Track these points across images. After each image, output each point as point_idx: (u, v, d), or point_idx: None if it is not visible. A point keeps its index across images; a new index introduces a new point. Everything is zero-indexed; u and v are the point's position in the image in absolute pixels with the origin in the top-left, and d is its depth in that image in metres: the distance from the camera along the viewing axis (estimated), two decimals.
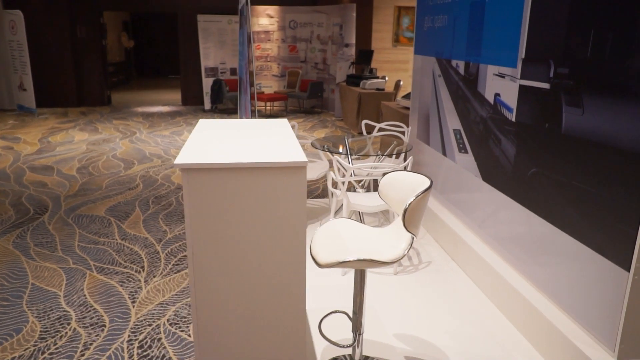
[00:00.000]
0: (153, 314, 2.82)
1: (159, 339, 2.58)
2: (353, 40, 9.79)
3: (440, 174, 4.00)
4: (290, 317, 2.00)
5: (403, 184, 2.09)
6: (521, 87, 2.76)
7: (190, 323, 2.73)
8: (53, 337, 2.59)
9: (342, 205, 4.42)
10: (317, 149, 3.96)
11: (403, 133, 4.75)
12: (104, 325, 2.70)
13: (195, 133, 2.32)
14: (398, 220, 2.07)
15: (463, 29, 3.51)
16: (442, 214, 3.81)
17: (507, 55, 2.90)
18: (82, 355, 2.44)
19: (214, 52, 10.59)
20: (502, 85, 2.96)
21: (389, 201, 2.18)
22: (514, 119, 2.84)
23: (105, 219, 4.31)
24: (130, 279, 3.23)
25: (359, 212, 4.19)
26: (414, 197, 1.85)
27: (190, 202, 1.81)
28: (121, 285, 3.14)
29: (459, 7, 3.56)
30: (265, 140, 2.17)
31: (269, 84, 11.13)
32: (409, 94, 6.43)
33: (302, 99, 10.42)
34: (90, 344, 2.53)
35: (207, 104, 10.64)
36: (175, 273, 3.31)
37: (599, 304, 2.18)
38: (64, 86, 10.99)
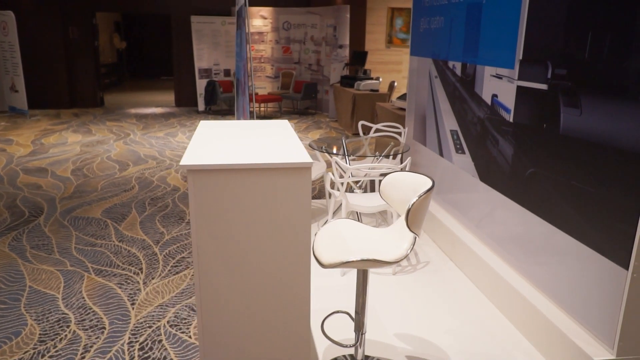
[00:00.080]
0: (153, 315, 2.81)
1: (160, 341, 2.57)
2: (347, 42, 9.82)
3: (437, 174, 4.03)
4: (294, 318, 2.01)
5: (404, 184, 2.11)
6: (519, 88, 2.78)
7: (190, 324, 2.73)
8: (53, 339, 2.58)
9: (340, 205, 4.43)
10: (315, 149, 3.97)
11: (399, 134, 4.77)
12: (104, 328, 2.69)
13: (198, 134, 2.32)
14: (399, 221, 2.09)
15: (460, 30, 3.54)
16: (439, 214, 3.83)
17: (504, 56, 2.93)
18: (83, 357, 2.43)
19: (207, 53, 10.57)
20: (500, 86, 2.99)
21: (390, 201, 2.20)
22: (511, 120, 2.87)
23: (102, 221, 4.28)
24: (129, 281, 3.21)
25: (357, 212, 4.20)
26: (417, 197, 1.87)
27: (196, 203, 1.81)
28: (120, 288, 3.13)
29: (456, 8, 3.59)
30: (268, 141, 2.17)
31: (263, 85, 11.13)
32: (404, 94, 6.46)
33: (296, 100, 10.42)
34: (91, 347, 2.52)
35: (201, 106, 10.61)
36: (174, 275, 3.31)
37: (598, 302, 2.21)
38: (56, 87, 10.91)
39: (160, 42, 18.42)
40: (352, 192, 4.24)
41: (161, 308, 2.89)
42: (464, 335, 2.65)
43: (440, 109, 3.92)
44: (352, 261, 1.85)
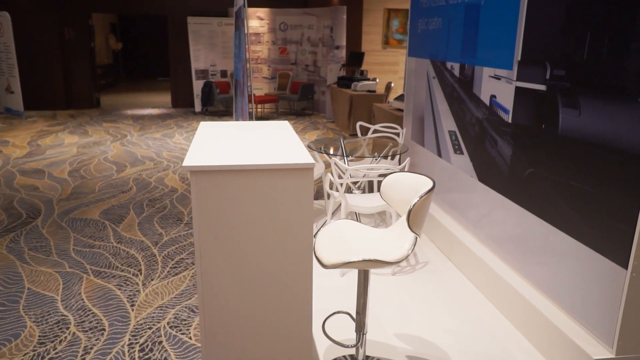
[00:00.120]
0: (153, 317, 2.81)
1: (160, 342, 2.57)
2: (343, 43, 9.83)
3: (435, 174, 4.04)
4: (296, 318, 2.01)
5: (405, 184, 2.12)
6: (517, 89, 2.80)
7: (191, 326, 2.73)
8: (52, 341, 2.57)
9: (338, 206, 4.44)
10: (313, 150, 3.98)
11: (397, 135, 4.78)
12: (104, 329, 2.68)
13: (199, 135, 2.32)
14: (400, 221, 2.10)
15: (458, 31, 3.55)
16: (438, 214, 3.84)
17: (503, 57, 2.94)
18: (83, 359, 2.43)
19: (204, 54, 10.55)
20: (498, 87, 3.00)
21: (391, 202, 2.20)
22: (510, 120, 2.88)
23: (100, 222, 4.27)
24: (128, 283, 3.21)
25: (356, 213, 4.21)
26: (419, 198, 1.88)
27: (199, 204, 1.82)
28: (119, 289, 3.13)
29: (454, 9, 3.60)
30: (270, 142, 2.18)
31: (260, 86, 11.13)
32: (401, 95, 6.48)
33: (293, 101, 10.43)
34: (91, 348, 2.51)
35: (198, 107, 10.60)
36: (173, 276, 3.30)
37: (597, 301, 2.22)
38: (52, 89, 10.88)
39: (156, 43, 18.39)
40: (351, 192, 4.25)
41: (161, 309, 2.89)
42: (464, 335, 2.66)
43: (439, 109, 3.94)
44: (354, 261, 1.85)
